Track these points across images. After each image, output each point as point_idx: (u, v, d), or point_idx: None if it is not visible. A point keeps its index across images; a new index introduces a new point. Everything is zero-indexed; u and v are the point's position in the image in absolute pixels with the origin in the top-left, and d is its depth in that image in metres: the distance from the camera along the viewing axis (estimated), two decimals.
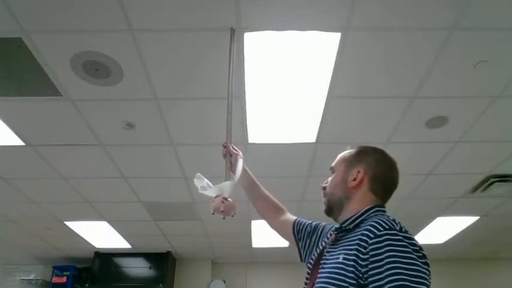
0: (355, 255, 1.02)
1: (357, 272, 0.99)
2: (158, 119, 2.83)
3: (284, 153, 3.28)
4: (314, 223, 1.50)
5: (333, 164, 1.34)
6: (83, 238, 5.20)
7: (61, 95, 2.56)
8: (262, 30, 2.10)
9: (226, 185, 1.50)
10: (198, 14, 2.00)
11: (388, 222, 1.04)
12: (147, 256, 5.80)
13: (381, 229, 1.02)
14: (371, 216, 1.15)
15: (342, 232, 1.18)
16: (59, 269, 5.90)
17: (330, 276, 1.06)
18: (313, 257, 1.25)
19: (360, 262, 1.00)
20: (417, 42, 2.19)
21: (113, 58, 2.27)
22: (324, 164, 3.46)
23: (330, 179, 1.32)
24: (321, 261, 1.17)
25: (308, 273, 1.23)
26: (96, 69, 2.34)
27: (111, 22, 2.03)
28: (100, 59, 2.26)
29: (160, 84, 2.49)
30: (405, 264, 0.94)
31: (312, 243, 1.44)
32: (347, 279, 1.00)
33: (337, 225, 1.22)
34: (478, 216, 4.68)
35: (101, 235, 5.17)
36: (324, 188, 1.32)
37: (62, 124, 2.87)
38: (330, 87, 2.53)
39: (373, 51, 2.26)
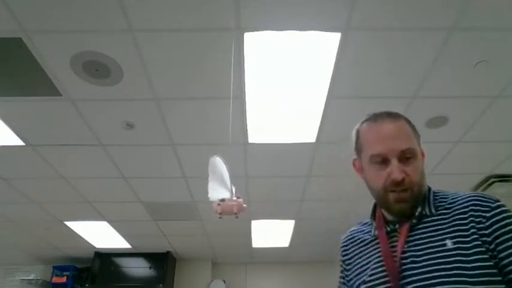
0: (474, 233, 0.96)
1: (482, 249, 0.94)
2: (158, 119, 2.83)
3: (284, 153, 3.28)
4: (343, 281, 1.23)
5: (409, 144, 1.08)
6: (83, 238, 5.20)
7: (61, 95, 2.56)
8: (262, 30, 2.10)
9: (216, 187, 1.53)
10: (198, 14, 2.00)
11: (488, 195, 1.08)
12: (147, 256, 5.81)
13: (492, 200, 1.04)
14: (429, 196, 1.09)
15: (417, 220, 1.04)
16: (59, 269, 5.89)
17: (442, 268, 0.93)
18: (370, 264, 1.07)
19: (484, 239, 0.95)
20: (417, 42, 2.19)
21: (113, 58, 2.26)
22: (324, 164, 3.49)
23: (409, 167, 1.04)
24: (403, 255, 0.99)
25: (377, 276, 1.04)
26: (96, 69, 2.34)
27: (111, 22, 2.03)
28: (100, 59, 2.26)
29: (160, 84, 2.49)
30: None
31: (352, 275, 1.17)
32: (476, 264, 0.92)
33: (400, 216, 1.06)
34: None
35: (101, 235, 5.17)
36: (404, 180, 1.01)
37: (62, 124, 2.87)
38: (330, 87, 2.53)
39: (373, 51, 2.26)
